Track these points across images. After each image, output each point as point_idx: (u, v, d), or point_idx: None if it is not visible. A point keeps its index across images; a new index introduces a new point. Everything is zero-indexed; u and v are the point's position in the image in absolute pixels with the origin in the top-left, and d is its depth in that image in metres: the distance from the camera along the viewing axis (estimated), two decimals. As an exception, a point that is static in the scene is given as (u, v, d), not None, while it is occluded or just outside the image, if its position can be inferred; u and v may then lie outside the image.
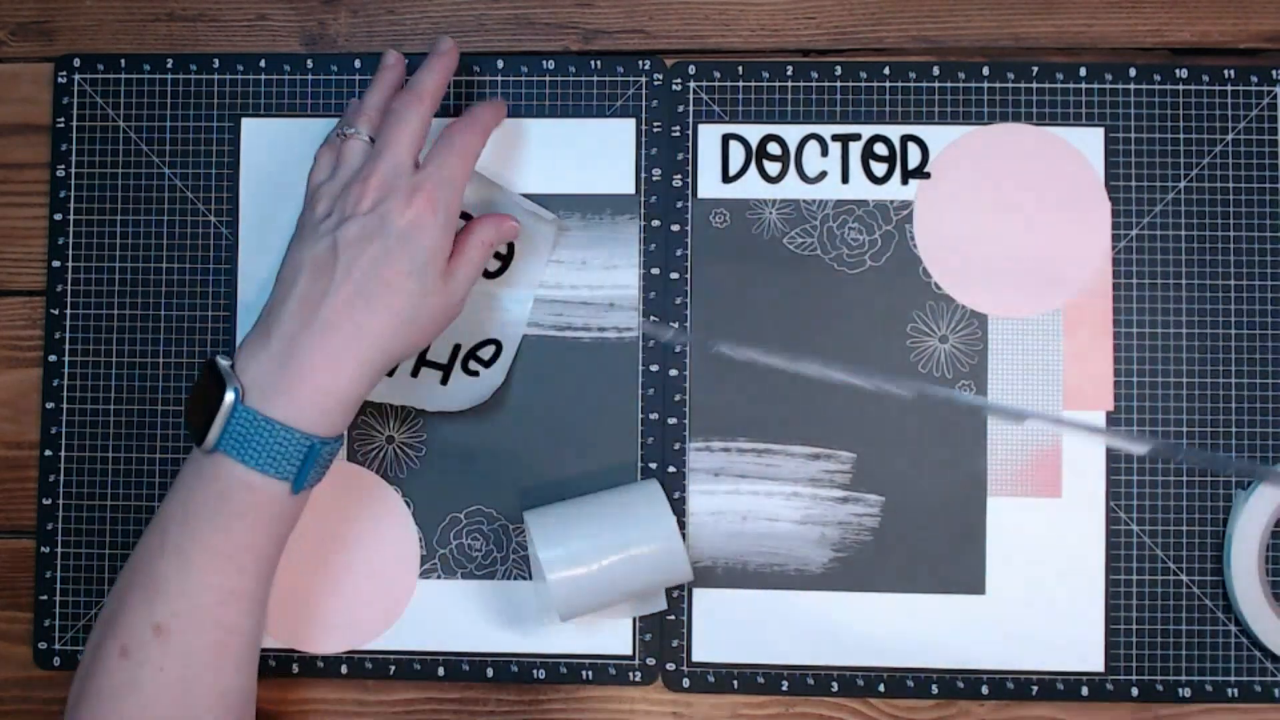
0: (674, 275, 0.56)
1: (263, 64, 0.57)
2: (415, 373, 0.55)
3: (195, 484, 0.46)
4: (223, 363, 0.47)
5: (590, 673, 0.55)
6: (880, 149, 0.56)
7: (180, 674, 0.45)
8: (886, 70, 0.56)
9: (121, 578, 0.47)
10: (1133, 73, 0.56)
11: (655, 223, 0.56)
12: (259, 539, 0.47)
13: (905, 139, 0.56)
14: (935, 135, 0.56)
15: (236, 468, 0.45)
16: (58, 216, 0.57)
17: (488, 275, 0.56)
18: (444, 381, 0.55)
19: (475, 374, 0.55)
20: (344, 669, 0.56)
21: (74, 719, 0.46)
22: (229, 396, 0.45)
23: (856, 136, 0.56)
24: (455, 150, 0.50)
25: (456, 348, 0.55)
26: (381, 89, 0.52)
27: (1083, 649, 0.55)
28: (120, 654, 0.45)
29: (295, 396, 0.46)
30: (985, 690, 0.55)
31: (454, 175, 0.49)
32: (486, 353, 0.55)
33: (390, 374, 0.54)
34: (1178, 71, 0.56)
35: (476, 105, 0.53)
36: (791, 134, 0.57)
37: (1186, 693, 0.54)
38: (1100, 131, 0.56)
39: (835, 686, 0.55)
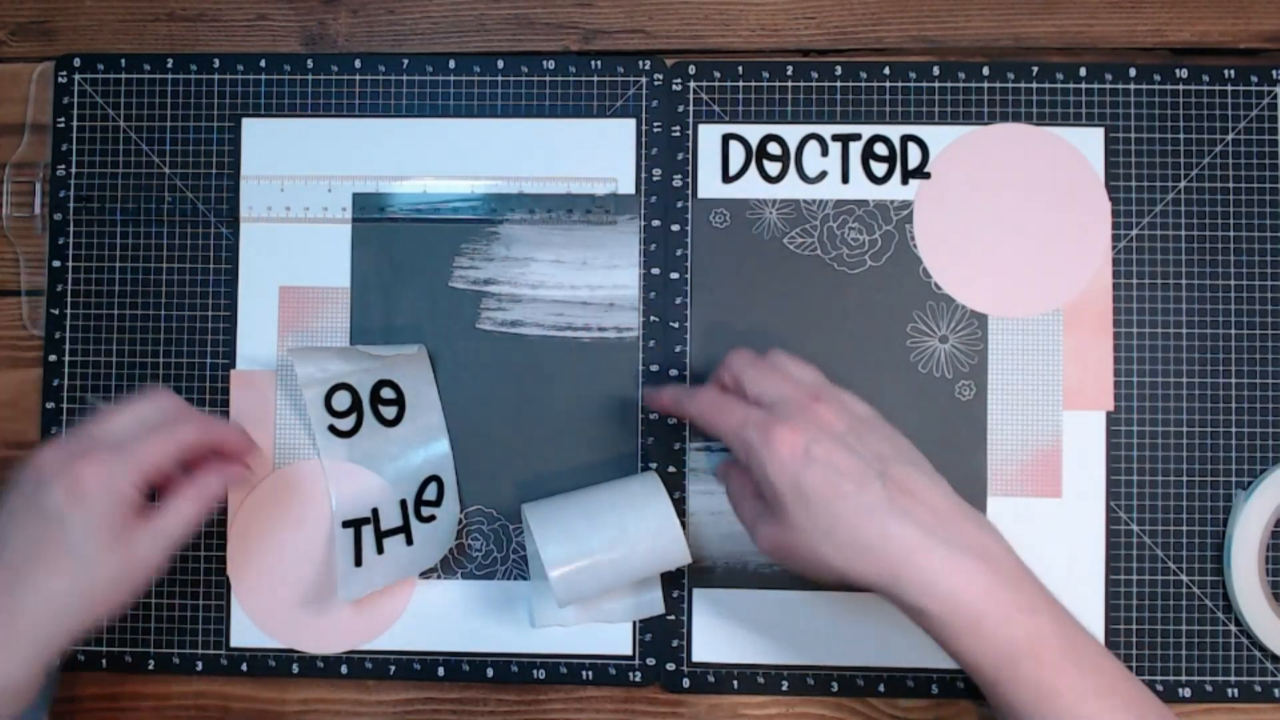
0: (674, 275, 0.56)
1: (263, 64, 0.57)
2: (381, 549, 0.54)
3: None
4: None
5: (590, 673, 0.55)
6: (880, 149, 0.56)
7: None
8: (886, 70, 0.56)
9: None
10: (1133, 73, 0.56)
11: (655, 223, 0.56)
12: None
13: (905, 139, 0.56)
14: (935, 135, 0.56)
15: None
16: (58, 216, 0.57)
17: (388, 424, 0.55)
18: (409, 542, 0.54)
19: (430, 518, 0.55)
20: (344, 669, 0.56)
21: None
22: None
23: (856, 136, 0.56)
24: (158, 434, 0.48)
25: (403, 503, 0.55)
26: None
27: (1083, 649, 0.55)
28: None
29: None
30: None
31: (140, 454, 0.47)
32: (431, 492, 0.55)
33: (359, 563, 0.53)
34: (1178, 71, 0.56)
35: (225, 422, 0.53)
36: (791, 134, 0.57)
37: (1186, 693, 0.54)
38: (1100, 131, 0.56)
39: (835, 686, 0.55)
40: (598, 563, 0.50)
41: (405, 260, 0.57)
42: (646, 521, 0.50)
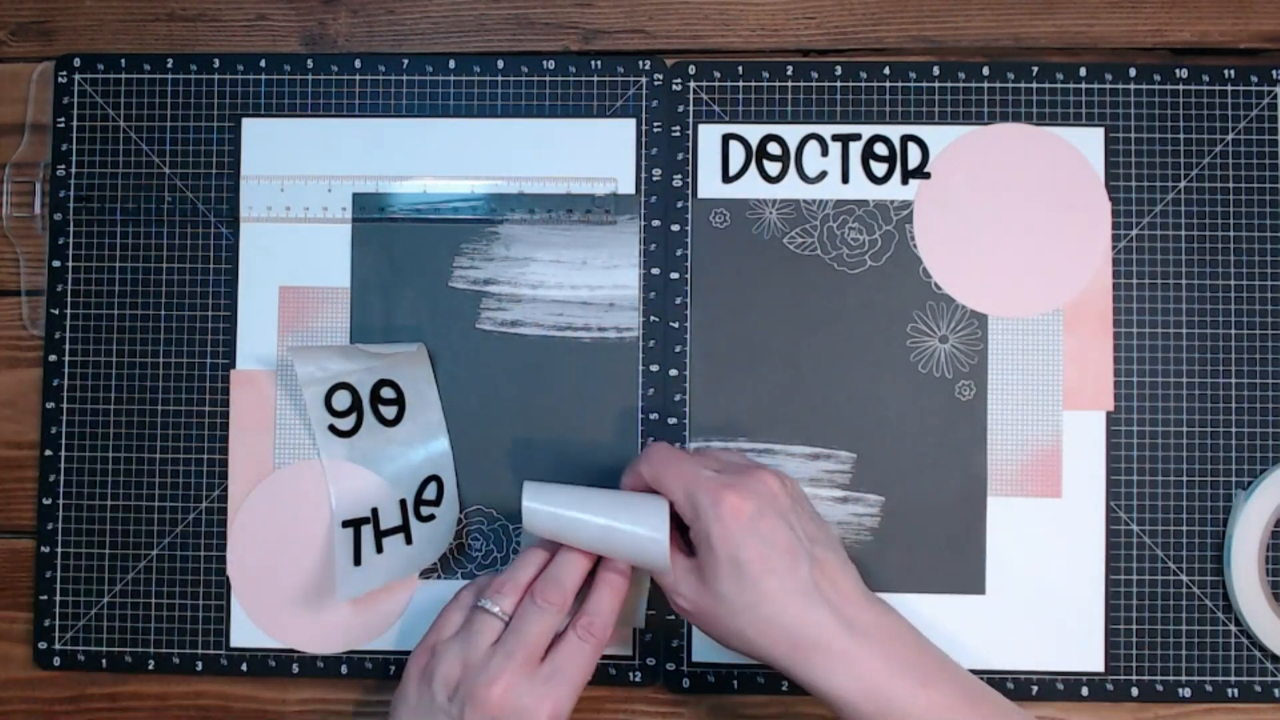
0: (674, 275, 0.56)
1: (263, 64, 0.57)
2: (380, 548, 0.54)
3: None
4: None
5: (590, 673, 0.55)
6: (880, 149, 0.56)
7: None
8: (886, 70, 0.56)
9: None
10: (1133, 73, 0.56)
11: (655, 223, 0.56)
12: None
13: (905, 139, 0.56)
14: (935, 135, 0.56)
15: None
16: (58, 216, 0.57)
17: (387, 424, 0.55)
18: (409, 541, 0.55)
19: (430, 518, 0.55)
20: (344, 669, 0.56)
21: None
22: None
23: (856, 136, 0.56)
24: (585, 657, 0.48)
25: (403, 503, 0.55)
26: (530, 566, 0.50)
27: (1083, 649, 0.55)
28: None
29: None
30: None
31: (582, 675, 0.48)
32: (430, 491, 0.55)
33: (358, 563, 0.53)
34: (1178, 71, 0.56)
35: (594, 593, 0.50)
36: (791, 134, 0.57)
37: (1186, 693, 0.54)
38: (1100, 131, 0.56)
39: (835, 686, 0.55)
40: (570, 513, 0.49)
41: (405, 260, 0.57)
42: (636, 511, 0.49)
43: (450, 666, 0.47)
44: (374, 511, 0.54)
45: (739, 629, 0.46)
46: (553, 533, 0.49)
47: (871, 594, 0.47)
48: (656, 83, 0.57)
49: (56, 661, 0.56)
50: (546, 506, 0.49)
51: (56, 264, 0.57)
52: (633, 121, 0.57)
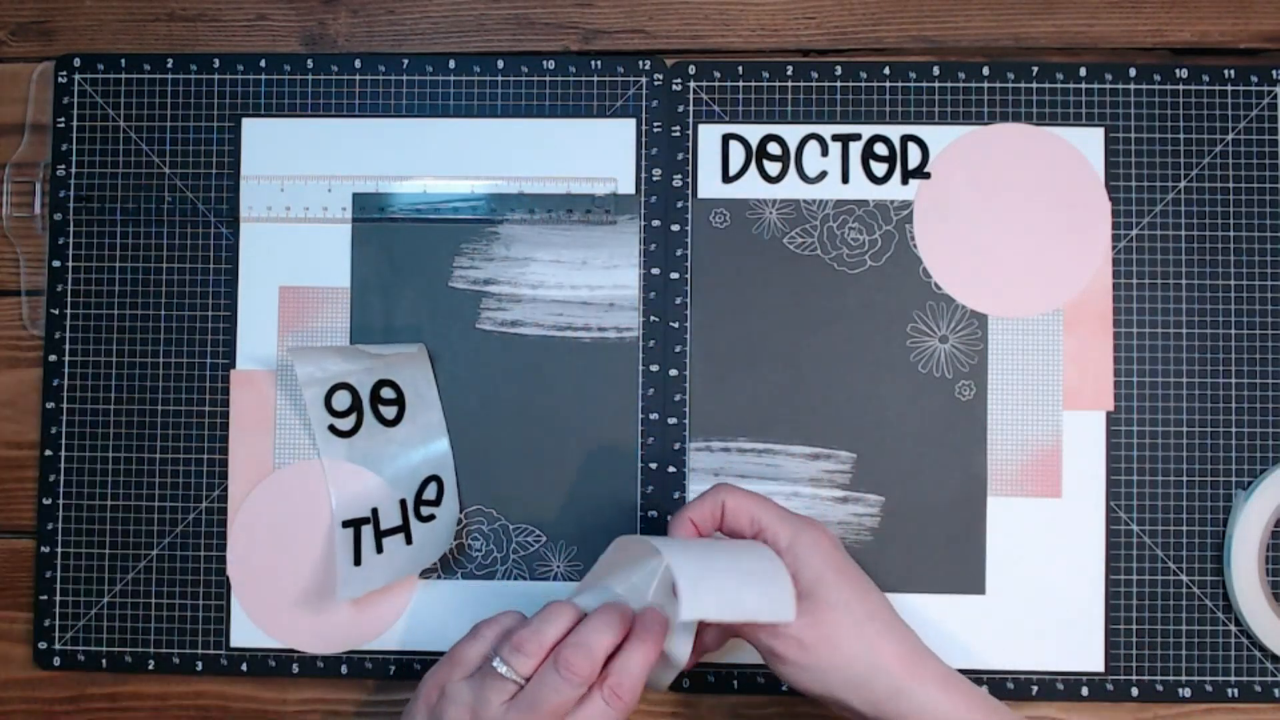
0: (674, 275, 0.56)
1: (263, 64, 0.57)
2: (380, 549, 0.54)
3: None
4: None
5: (590, 673, 0.55)
6: (880, 149, 0.56)
7: None
8: (886, 70, 0.56)
9: None
10: (1133, 73, 0.56)
11: (655, 223, 0.56)
12: None
13: (905, 139, 0.56)
14: (935, 135, 0.56)
15: None
16: (58, 216, 0.57)
17: (387, 424, 0.55)
18: (409, 541, 0.54)
19: (430, 518, 0.55)
20: (344, 669, 0.56)
21: None
22: None
23: (856, 136, 0.56)
24: (615, 716, 0.44)
25: (403, 503, 0.55)
26: (558, 623, 0.46)
27: (1083, 649, 0.55)
28: None
29: None
30: (985, 690, 0.54)
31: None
32: (430, 491, 0.55)
33: (358, 563, 0.53)
34: (1178, 71, 0.56)
35: (641, 631, 0.46)
36: (791, 134, 0.57)
37: (1186, 693, 0.54)
38: (1100, 131, 0.56)
39: (835, 686, 0.55)
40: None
41: (405, 260, 0.57)
42: (749, 558, 0.46)
43: (459, 714, 0.45)
44: (374, 512, 0.54)
45: (853, 645, 0.44)
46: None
47: None
48: (656, 83, 0.57)
49: (56, 661, 0.56)
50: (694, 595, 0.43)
51: (56, 264, 0.57)
52: (633, 121, 0.57)
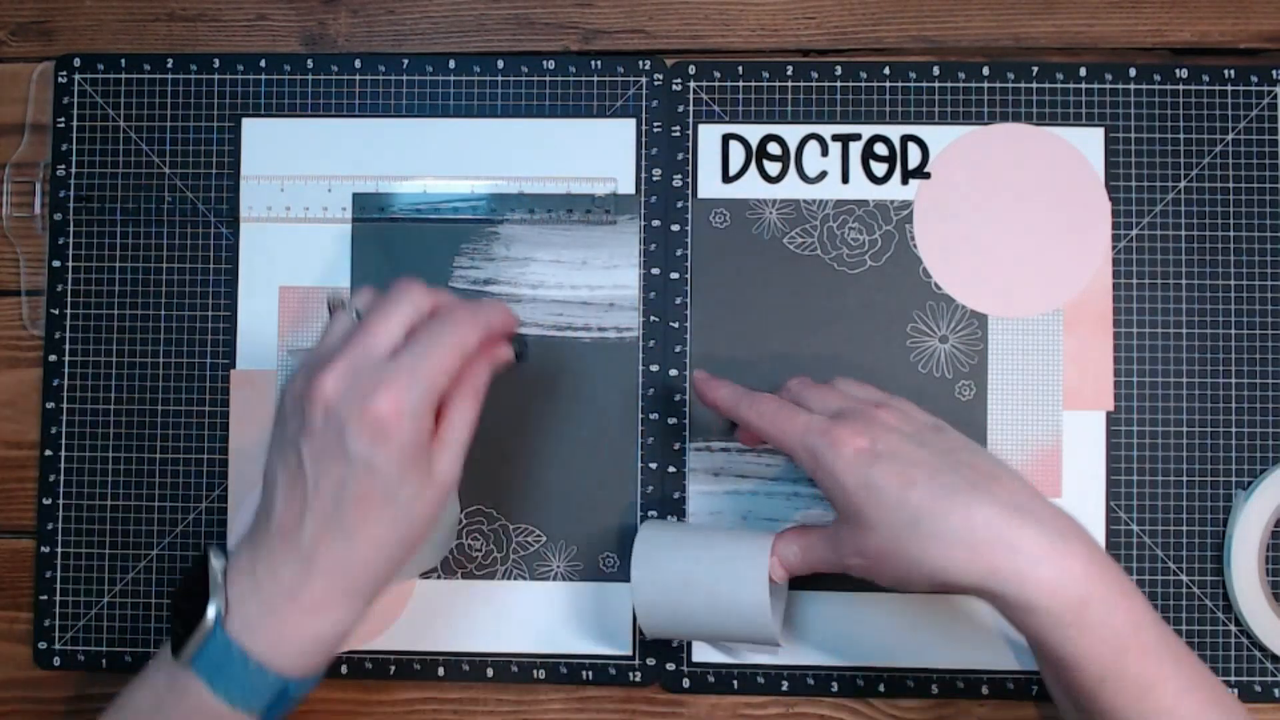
0: (674, 275, 0.56)
1: (263, 64, 0.57)
2: None
3: (163, 694, 0.43)
4: (215, 564, 0.43)
5: (590, 673, 0.55)
6: (880, 149, 0.56)
7: None
8: (886, 70, 0.56)
9: None
10: (1133, 73, 0.56)
11: (655, 223, 0.56)
12: None
13: (905, 139, 0.56)
14: (935, 135, 0.56)
15: (204, 692, 0.42)
16: (58, 216, 0.57)
17: None
18: None
19: None
20: (344, 669, 0.56)
21: None
22: (210, 613, 0.42)
23: (856, 136, 0.56)
24: (442, 341, 0.43)
25: None
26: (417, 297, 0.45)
27: (1083, 649, 0.55)
28: None
29: (277, 636, 0.42)
30: (985, 690, 0.54)
31: (432, 370, 0.42)
32: None
33: None
34: (1178, 71, 0.56)
35: (486, 302, 0.47)
36: (791, 134, 0.57)
37: (1186, 693, 0.54)
38: (1100, 131, 0.56)
39: (835, 686, 0.55)
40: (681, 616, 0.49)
41: (405, 260, 0.57)
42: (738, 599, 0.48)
43: (299, 374, 0.43)
44: None
45: (912, 557, 0.41)
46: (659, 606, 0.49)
47: (1045, 497, 0.43)
48: (656, 83, 0.57)
49: (56, 661, 0.56)
50: (652, 583, 0.48)
51: (56, 264, 0.57)
52: (633, 121, 0.57)
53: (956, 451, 0.44)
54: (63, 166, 0.57)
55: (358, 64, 0.57)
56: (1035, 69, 0.56)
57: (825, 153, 0.56)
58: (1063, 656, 0.41)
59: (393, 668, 0.56)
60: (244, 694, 0.42)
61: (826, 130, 0.57)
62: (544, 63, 0.57)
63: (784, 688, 0.55)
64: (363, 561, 0.43)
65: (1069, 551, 0.40)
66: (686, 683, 0.55)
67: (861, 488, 0.42)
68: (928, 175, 0.56)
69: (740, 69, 0.57)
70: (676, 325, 0.56)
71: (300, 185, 0.57)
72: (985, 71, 0.56)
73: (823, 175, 0.56)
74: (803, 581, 0.55)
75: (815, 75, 0.57)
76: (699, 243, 0.56)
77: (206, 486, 0.56)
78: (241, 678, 0.42)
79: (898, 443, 0.43)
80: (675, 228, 0.56)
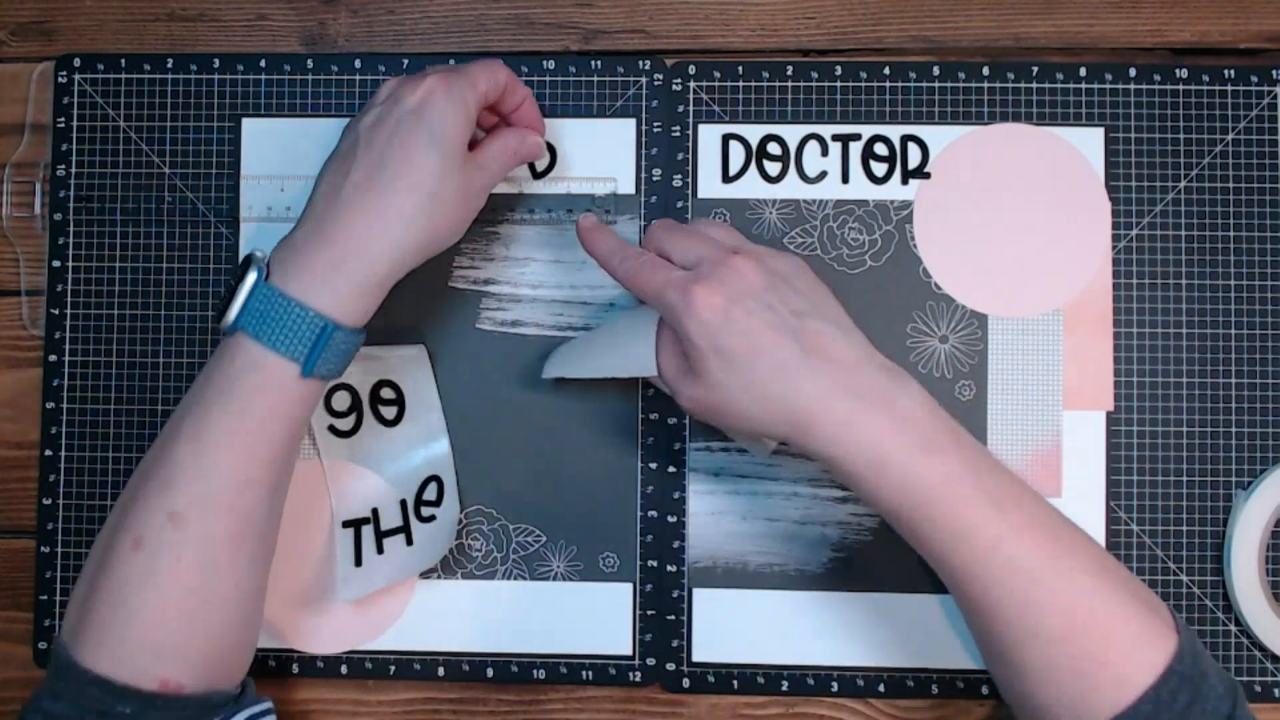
0: (674, 275, 0.56)
1: (263, 64, 0.57)
2: (381, 549, 0.54)
3: (214, 367, 0.47)
4: (257, 253, 0.47)
5: (590, 673, 0.55)
6: (880, 149, 0.56)
7: (197, 561, 0.45)
8: (886, 70, 0.56)
9: (135, 473, 0.47)
10: (1133, 73, 0.56)
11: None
12: (271, 425, 0.46)
13: (905, 139, 0.56)
14: (935, 135, 0.56)
15: (251, 346, 0.46)
16: (58, 216, 0.57)
17: (387, 424, 0.55)
18: (409, 542, 0.54)
19: (430, 518, 0.55)
20: (344, 669, 0.56)
21: (88, 617, 0.45)
22: (251, 275, 0.46)
23: (856, 136, 0.56)
24: (476, 64, 0.50)
25: (403, 503, 0.55)
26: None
27: (1083, 649, 0.54)
28: (134, 546, 0.45)
29: (313, 273, 0.46)
30: (985, 690, 0.55)
31: (471, 75, 0.49)
32: (431, 492, 0.55)
33: (359, 563, 0.53)
34: (1178, 71, 0.56)
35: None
36: (791, 134, 0.57)
37: (1186, 693, 0.54)
38: (1100, 131, 0.56)
39: (835, 686, 0.55)
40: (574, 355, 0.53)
41: (405, 260, 0.57)
42: (628, 329, 0.51)
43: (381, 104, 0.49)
44: (374, 512, 0.54)
45: (742, 410, 0.46)
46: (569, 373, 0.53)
47: (883, 360, 0.47)
48: (656, 83, 0.57)
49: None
50: (558, 363, 0.53)
51: (56, 264, 0.57)
52: (633, 121, 0.57)
53: (801, 316, 0.46)
54: (63, 166, 0.57)
55: (358, 64, 0.57)
56: (1035, 69, 0.56)
57: (825, 153, 0.56)
58: (871, 503, 0.46)
59: (393, 668, 0.56)
60: (285, 337, 0.45)
61: (826, 130, 0.57)
62: (544, 63, 0.57)
63: (784, 688, 0.55)
64: (399, 205, 0.47)
65: (874, 417, 0.44)
66: (686, 683, 0.55)
67: (711, 350, 0.45)
68: (928, 175, 0.56)
69: (740, 69, 0.57)
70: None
71: (300, 185, 0.57)
72: (985, 71, 0.56)
73: (823, 175, 0.56)
74: (803, 583, 0.55)
75: (815, 75, 0.57)
76: (699, 243, 0.56)
77: (206, 486, 0.56)
78: (283, 319, 0.45)
79: (749, 308, 0.46)
80: (675, 228, 0.56)
